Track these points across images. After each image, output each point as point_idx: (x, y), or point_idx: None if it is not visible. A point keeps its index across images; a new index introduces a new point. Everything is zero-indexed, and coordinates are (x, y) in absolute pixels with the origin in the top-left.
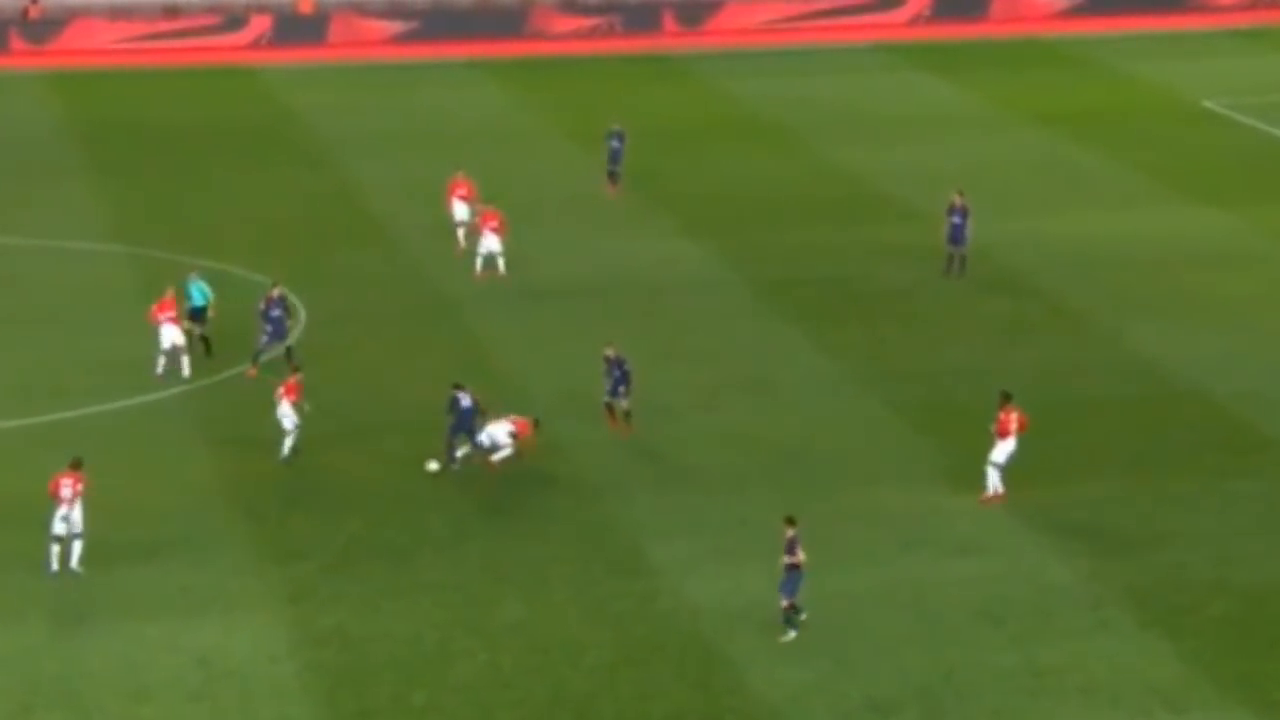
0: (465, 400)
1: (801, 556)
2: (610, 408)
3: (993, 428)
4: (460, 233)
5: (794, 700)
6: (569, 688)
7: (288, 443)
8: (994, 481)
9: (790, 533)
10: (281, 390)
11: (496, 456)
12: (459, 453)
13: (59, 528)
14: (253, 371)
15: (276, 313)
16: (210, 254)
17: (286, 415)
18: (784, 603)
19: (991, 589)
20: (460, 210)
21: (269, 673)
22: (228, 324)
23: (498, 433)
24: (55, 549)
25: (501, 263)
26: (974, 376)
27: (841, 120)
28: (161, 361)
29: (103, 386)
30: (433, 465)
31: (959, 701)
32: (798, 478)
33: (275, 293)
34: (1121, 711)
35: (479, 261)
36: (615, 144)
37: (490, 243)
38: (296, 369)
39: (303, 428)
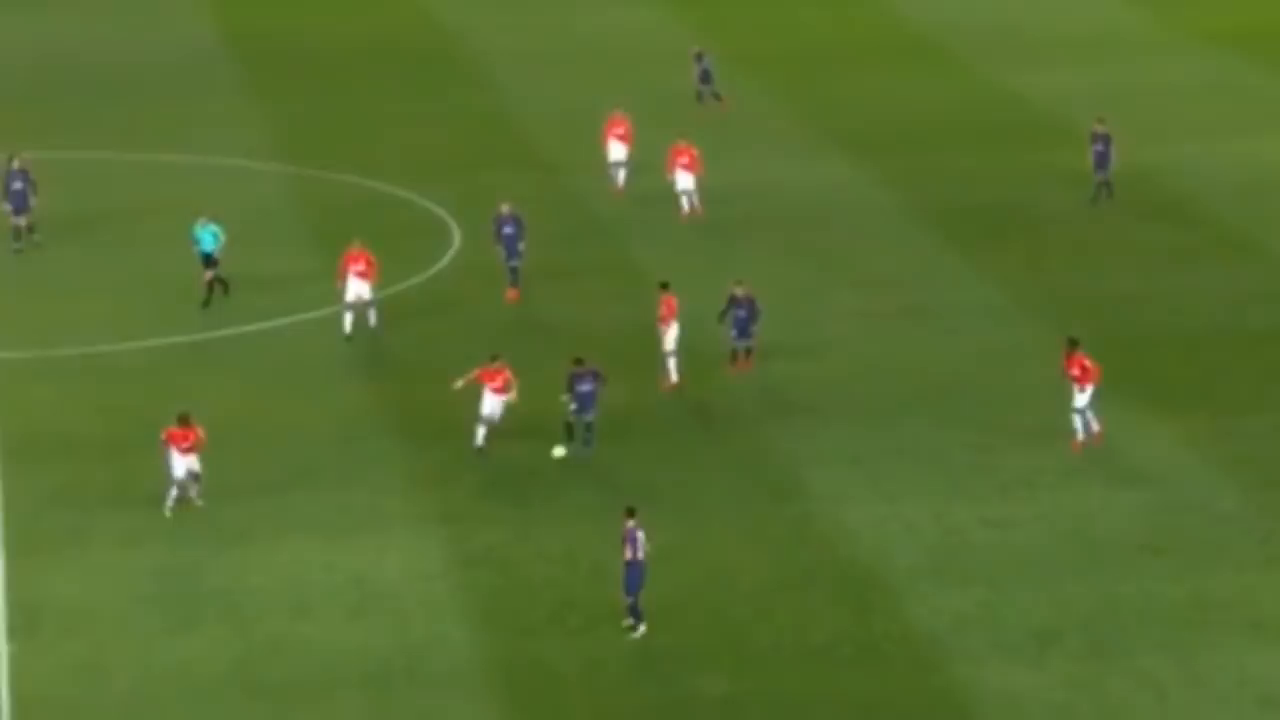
0: (585, 385)
1: (641, 553)
2: (735, 352)
3: (1075, 373)
4: (620, 174)
5: (952, 629)
6: (725, 613)
7: (481, 431)
8: (1079, 426)
9: (629, 524)
10: (477, 375)
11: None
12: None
13: (179, 471)
14: (513, 294)
15: (509, 229)
16: (367, 173)
17: (491, 402)
18: (627, 600)
19: (1157, 519)
20: (616, 150)
21: (424, 592)
22: (378, 246)
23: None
24: (174, 492)
25: (689, 201)
26: (1139, 304)
27: (1005, 42)
28: (349, 319)
29: (259, 305)
30: (559, 451)
31: (1122, 633)
32: (957, 406)
33: (505, 210)
34: None
35: (686, 202)
36: (703, 66)
37: (684, 180)
38: (495, 358)
39: (496, 422)
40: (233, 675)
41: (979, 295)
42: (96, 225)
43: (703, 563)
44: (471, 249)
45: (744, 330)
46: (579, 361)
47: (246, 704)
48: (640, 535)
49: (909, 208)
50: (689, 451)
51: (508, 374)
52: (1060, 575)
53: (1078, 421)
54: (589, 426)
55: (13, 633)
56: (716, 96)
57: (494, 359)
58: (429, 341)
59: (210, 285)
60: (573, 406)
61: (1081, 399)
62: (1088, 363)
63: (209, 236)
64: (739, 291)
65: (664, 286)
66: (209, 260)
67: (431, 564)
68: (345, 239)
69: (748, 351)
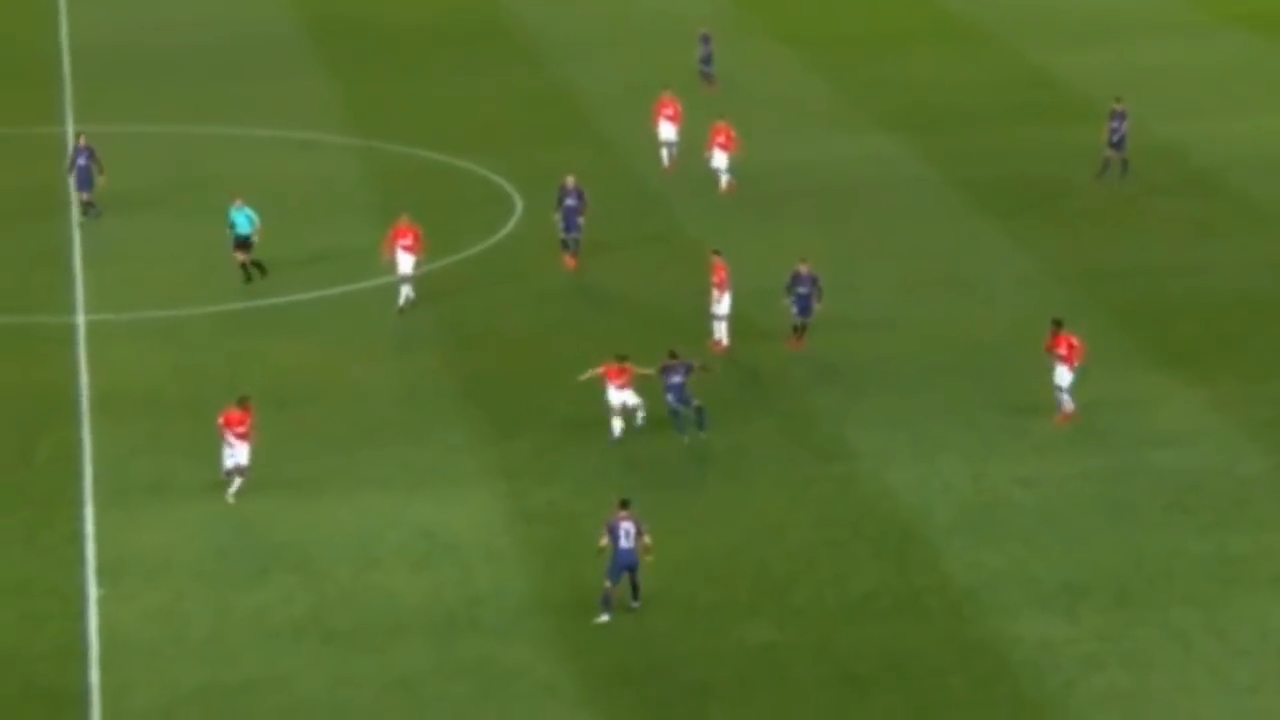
0: (676, 376)
1: (630, 543)
2: (797, 328)
3: (1061, 352)
4: (665, 152)
5: (988, 583)
6: (771, 567)
7: (615, 424)
8: (1065, 401)
9: (619, 515)
10: (602, 372)
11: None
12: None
13: (229, 463)
14: (571, 262)
15: (570, 201)
16: (431, 146)
17: (616, 396)
18: (607, 585)
19: (1185, 480)
20: (667, 130)
21: (486, 544)
22: (443, 215)
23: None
24: (228, 480)
25: (725, 180)
26: (1166, 273)
27: (1041, 22)
28: (404, 294)
29: (327, 273)
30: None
31: (1149, 587)
32: (994, 371)
33: (570, 182)
34: None
35: (724, 180)
36: (708, 49)
37: (719, 159)
38: (622, 358)
39: (637, 414)
40: (305, 622)
41: (1014, 266)
42: (171, 196)
43: (750, 519)
44: (532, 219)
45: (805, 307)
46: (673, 355)
47: (318, 649)
48: (629, 527)
49: (947, 182)
50: (737, 413)
51: (631, 372)
52: (1090, 532)
53: (1063, 398)
54: (699, 411)
55: (101, 578)
56: (709, 79)
57: (620, 359)
58: (490, 307)
59: (245, 267)
60: (669, 398)
61: (1065, 377)
62: (1074, 341)
63: (244, 219)
64: (803, 269)
65: (716, 253)
66: (244, 243)
67: (494, 518)
68: (413, 209)
69: (803, 328)
